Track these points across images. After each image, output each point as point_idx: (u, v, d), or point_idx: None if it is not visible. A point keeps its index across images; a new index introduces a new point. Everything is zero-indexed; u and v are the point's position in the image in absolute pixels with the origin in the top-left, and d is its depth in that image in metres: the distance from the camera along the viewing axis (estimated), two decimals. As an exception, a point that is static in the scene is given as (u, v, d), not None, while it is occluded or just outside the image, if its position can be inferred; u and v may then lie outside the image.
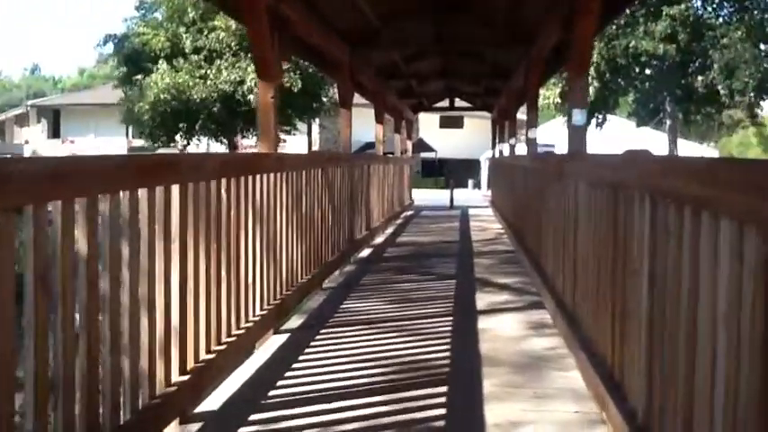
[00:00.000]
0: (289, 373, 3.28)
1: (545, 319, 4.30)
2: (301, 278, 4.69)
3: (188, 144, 16.84)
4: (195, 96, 14.73)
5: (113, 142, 30.97)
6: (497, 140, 14.86)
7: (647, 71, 16.34)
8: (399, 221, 11.13)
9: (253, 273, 3.58)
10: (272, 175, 3.93)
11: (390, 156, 12.52)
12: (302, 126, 24.68)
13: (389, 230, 9.59)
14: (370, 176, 8.01)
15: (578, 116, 4.49)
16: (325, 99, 19.79)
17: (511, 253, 7.32)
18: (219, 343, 3.04)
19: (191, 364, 2.71)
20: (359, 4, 6.17)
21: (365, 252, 7.46)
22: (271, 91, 4.06)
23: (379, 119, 9.93)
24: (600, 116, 19.46)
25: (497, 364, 3.40)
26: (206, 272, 2.86)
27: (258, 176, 3.68)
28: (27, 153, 35.25)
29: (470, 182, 31.09)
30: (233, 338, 3.21)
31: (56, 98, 44.27)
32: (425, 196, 22.54)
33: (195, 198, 2.78)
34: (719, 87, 17.10)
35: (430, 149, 32.25)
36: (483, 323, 4.27)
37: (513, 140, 10.59)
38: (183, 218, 2.64)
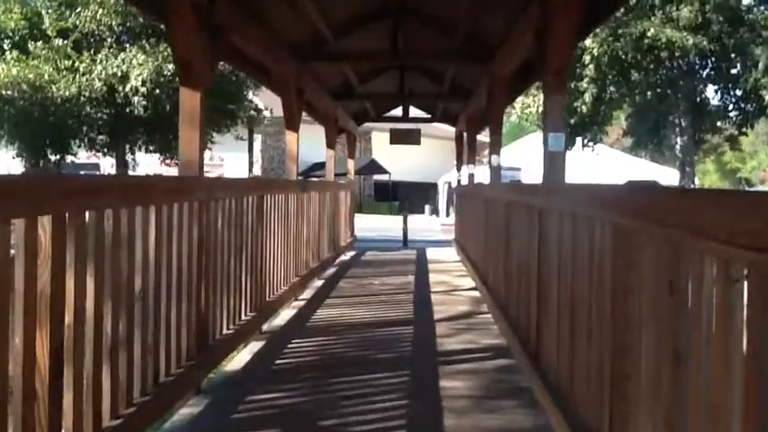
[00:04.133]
0: None
1: None
2: None
3: (61, 160, 12.84)
4: (56, 94, 10.92)
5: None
6: (463, 161, 11.72)
7: (649, 77, 13.14)
8: (329, 273, 7.83)
9: None
10: None
11: (317, 180, 9.27)
12: (241, 144, 21.03)
13: (306, 295, 6.27)
14: (264, 215, 4.73)
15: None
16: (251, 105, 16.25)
17: (503, 357, 4.13)
18: None
19: None
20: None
21: (244, 356, 4.14)
22: None
23: (290, 124, 6.50)
24: (588, 136, 15.95)
25: None
26: None
27: None
28: None
29: (427, 207, 28.10)
30: None
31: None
32: (377, 224, 19.41)
33: None
34: (763, 93, 14.00)
35: (383, 171, 29.13)
36: None
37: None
38: None
